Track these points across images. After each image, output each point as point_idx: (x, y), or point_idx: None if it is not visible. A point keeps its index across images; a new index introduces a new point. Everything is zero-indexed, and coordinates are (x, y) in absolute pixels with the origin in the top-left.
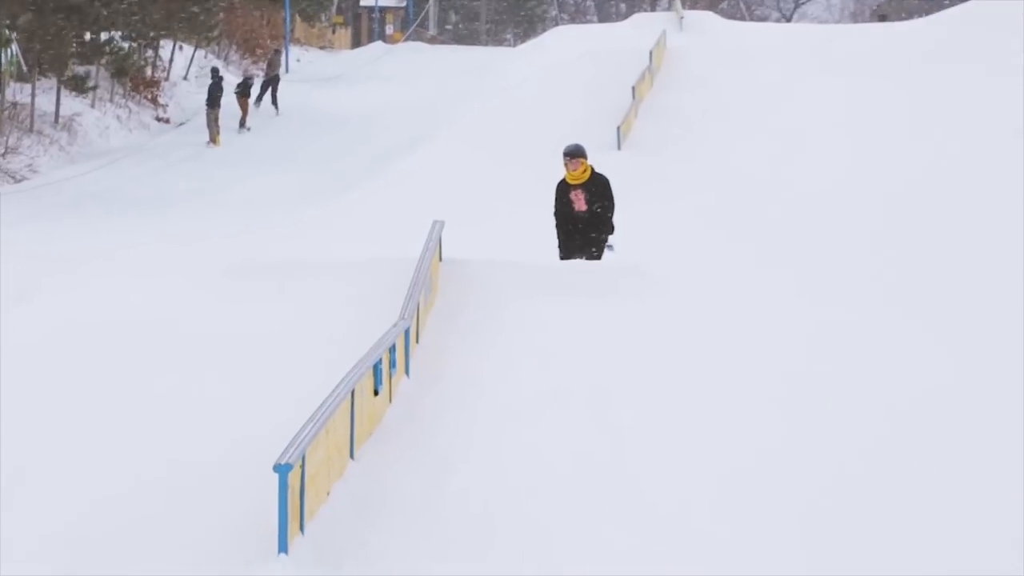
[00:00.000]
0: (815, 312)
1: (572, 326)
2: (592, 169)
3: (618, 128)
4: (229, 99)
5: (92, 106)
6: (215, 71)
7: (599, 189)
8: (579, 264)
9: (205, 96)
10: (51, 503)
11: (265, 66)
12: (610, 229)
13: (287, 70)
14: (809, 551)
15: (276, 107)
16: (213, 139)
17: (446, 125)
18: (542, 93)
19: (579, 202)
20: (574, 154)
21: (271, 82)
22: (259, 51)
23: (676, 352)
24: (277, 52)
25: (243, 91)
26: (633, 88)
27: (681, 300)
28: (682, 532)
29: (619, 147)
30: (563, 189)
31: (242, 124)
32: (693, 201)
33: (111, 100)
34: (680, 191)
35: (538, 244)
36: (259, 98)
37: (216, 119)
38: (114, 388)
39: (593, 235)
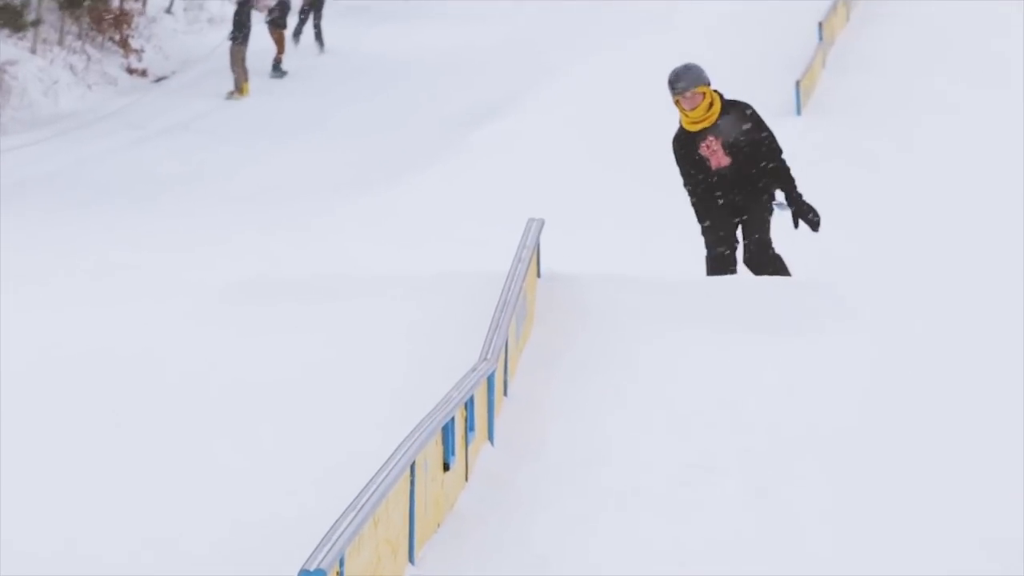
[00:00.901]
0: None
1: (729, 371)
2: (722, 99)
3: (797, 84)
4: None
5: (33, 51)
6: None
7: (744, 126)
8: (737, 281)
9: (230, 28)
10: None
11: None
12: (785, 182)
13: None
14: None
15: (320, 42)
16: (239, 87)
17: (545, 81)
18: (686, 37)
19: (716, 155)
20: (687, 81)
21: (312, 8)
22: None
23: (877, 411)
24: None
25: (277, 20)
26: (820, 25)
27: (884, 335)
28: None
29: (799, 111)
30: (685, 144)
31: (277, 65)
32: (906, 189)
33: (60, 43)
34: (889, 175)
35: (678, 251)
36: (298, 30)
37: (243, 59)
38: (87, 456)
39: (754, 203)
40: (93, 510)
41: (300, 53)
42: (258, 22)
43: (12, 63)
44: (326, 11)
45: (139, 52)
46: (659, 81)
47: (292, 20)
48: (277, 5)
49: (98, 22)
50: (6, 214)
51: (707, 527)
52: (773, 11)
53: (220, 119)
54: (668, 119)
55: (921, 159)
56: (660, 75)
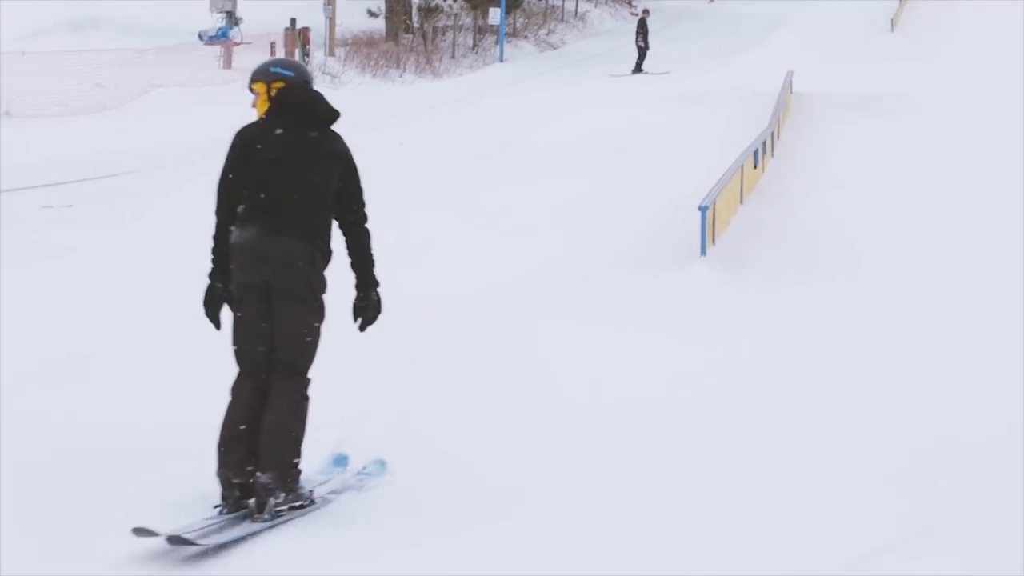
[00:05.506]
0: None
1: (868, 130)
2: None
3: (891, 20)
4: None
5: (595, 6)
6: None
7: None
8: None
9: None
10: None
11: None
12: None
13: None
14: None
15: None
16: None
17: (784, 25)
18: (840, 9)
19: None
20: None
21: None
22: None
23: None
24: None
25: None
26: None
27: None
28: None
29: (892, 30)
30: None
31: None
32: (943, 59)
33: (605, 2)
34: (930, 55)
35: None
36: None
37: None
38: (606, 166)
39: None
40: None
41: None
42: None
43: (587, 11)
44: None
45: (635, 5)
46: (830, 26)
47: None
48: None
49: None
50: (582, 67)
51: (862, 199)
52: None
53: (671, 32)
54: (839, 42)
55: (948, 55)
56: (829, 23)
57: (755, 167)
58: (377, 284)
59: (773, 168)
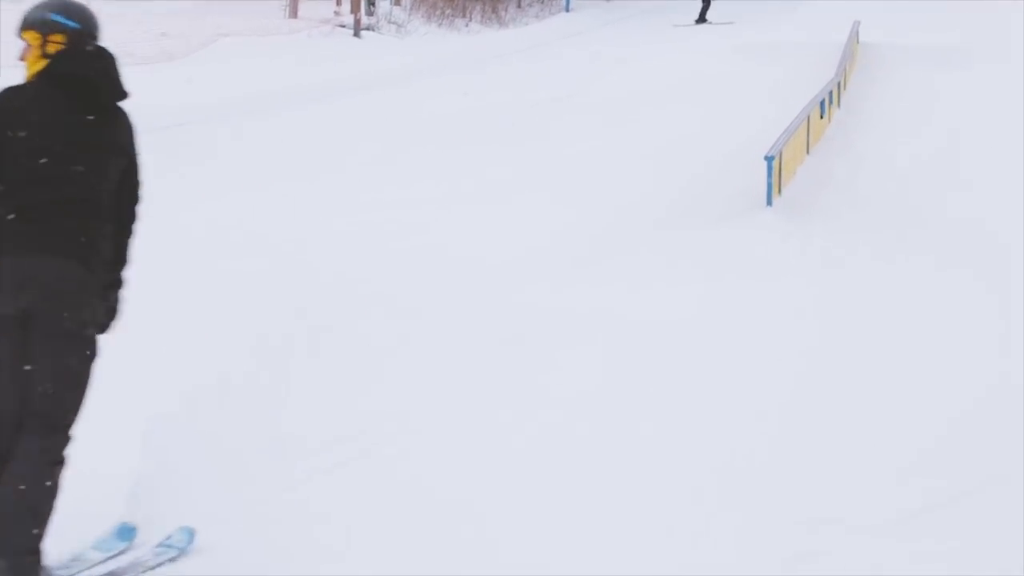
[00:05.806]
0: None
1: (940, 82)
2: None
3: None
4: None
5: None
6: None
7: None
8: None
9: None
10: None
11: None
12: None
13: None
14: None
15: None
16: (703, 16)
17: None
18: None
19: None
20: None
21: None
22: None
23: None
24: None
25: None
26: None
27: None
28: None
29: None
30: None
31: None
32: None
33: None
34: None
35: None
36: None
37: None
38: (661, 108)
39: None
40: (657, 135)
41: None
42: None
43: None
44: None
45: None
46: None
47: None
48: None
49: None
50: (643, 17)
51: (922, 147)
52: None
53: None
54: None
55: None
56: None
57: (821, 117)
58: (121, 285)
59: (840, 119)
